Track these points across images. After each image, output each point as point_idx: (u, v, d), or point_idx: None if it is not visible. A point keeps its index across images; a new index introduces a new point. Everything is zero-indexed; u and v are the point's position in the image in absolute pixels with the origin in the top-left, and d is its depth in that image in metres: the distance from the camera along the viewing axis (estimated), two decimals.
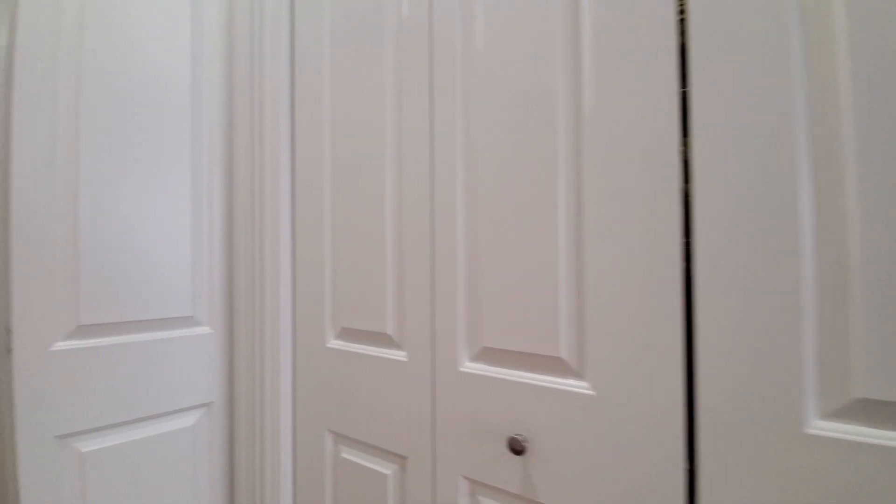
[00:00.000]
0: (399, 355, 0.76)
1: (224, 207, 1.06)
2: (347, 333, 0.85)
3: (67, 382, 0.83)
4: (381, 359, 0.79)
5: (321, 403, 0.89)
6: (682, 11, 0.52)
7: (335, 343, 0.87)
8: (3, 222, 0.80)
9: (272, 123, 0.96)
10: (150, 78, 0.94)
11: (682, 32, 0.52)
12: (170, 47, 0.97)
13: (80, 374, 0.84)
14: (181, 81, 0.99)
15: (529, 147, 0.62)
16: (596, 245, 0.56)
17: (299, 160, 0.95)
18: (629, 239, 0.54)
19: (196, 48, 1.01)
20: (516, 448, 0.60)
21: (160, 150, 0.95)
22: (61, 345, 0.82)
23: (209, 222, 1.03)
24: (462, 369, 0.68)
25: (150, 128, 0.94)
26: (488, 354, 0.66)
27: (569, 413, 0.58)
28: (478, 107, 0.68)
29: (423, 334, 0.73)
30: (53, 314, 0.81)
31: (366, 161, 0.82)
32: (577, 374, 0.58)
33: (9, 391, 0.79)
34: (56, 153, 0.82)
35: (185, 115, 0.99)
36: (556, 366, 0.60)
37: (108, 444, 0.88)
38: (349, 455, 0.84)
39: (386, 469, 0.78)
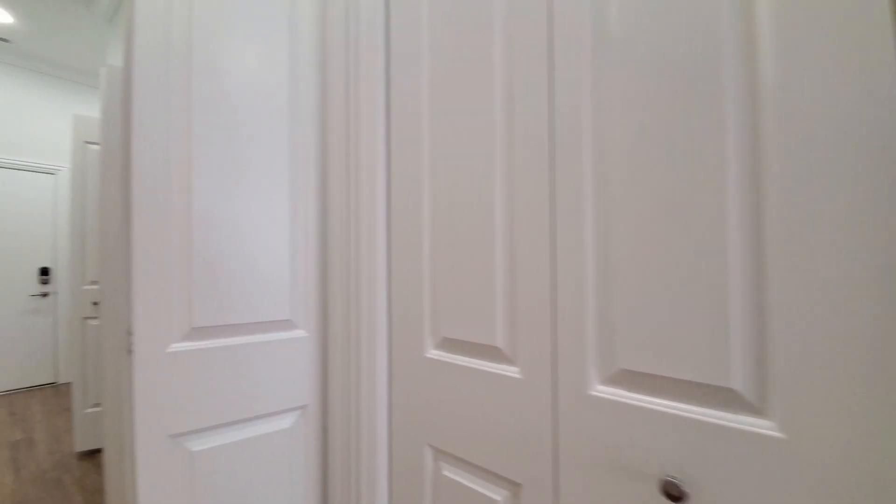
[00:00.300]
0: (512, 371, 0.70)
1: (318, 211, 1.06)
2: (449, 344, 0.80)
3: (181, 383, 0.85)
4: (489, 374, 0.72)
5: (420, 415, 0.84)
6: None
7: (435, 353, 0.82)
8: (126, 230, 0.84)
9: (368, 125, 0.93)
10: (251, 88, 0.95)
11: None
12: (268, 55, 0.98)
13: (193, 374, 0.86)
14: (279, 88, 0.99)
15: (683, 132, 0.52)
16: (784, 251, 0.45)
17: (395, 162, 0.91)
18: (838, 244, 0.42)
19: (292, 51, 1.02)
20: (673, 494, 0.51)
21: (261, 158, 0.96)
22: (176, 346, 0.85)
23: (304, 225, 1.04)
24: (592, 393, 0.60)
25: (252, 136, 0.95)
26: (627, 378, 0.57)
27: (746, 458, 0.47)
28: (611, 91, 0.59)
29: (541, 350, 0.66)
30: (170, 316, 0.84)
31: (471, 160, 0.76)
32: (757, 411, 0.48)
33: (129, 391, 0.83)
34: (171, 166, 0.85)
35: (283, 123, 1.00)
36: (725, 398, 0.50)
37: (215, 443, 0.90)
38: (452, 474, 0.79)
39: (496, 494, 0.71)
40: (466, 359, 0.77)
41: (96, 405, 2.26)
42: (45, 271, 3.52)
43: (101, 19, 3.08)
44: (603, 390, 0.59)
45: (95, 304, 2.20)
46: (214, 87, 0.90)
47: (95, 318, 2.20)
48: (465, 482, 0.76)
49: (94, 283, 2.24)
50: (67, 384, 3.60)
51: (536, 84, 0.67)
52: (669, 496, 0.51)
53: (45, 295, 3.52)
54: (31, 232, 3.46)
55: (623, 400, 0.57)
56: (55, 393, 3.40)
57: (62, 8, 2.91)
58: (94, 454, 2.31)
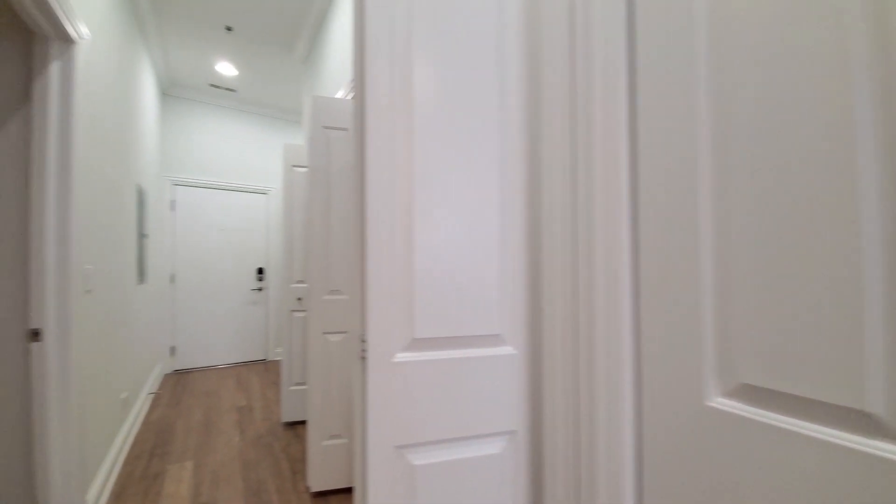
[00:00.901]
0: None
1: (525, 215, 0.95)
2: (753, 394, 0.57)
3: (404, 393, 0.83)
4: (854, 451, 0.47)
5: (696, 486, 0.63)
6: None
7: (724, 403, 0.60)
8: (361, 249, 0.85)
9: (603, 112, 0.77)
10: (462, 102, 0.90)
11: None
12: (477, 67, 0.92)
13: (414, 385, 0.84)
14: (488, 99, 0.92)
15: None
16: None
17: (644, 155, 0.72)
18: None
19: (499, 56, 0.94)
20: None
21: (474, 168, 0.91)
22: (400, 356, 0.83)
23: (513, 236, 0.94)
24: None
25: (467, 149, 0.90)
26: None
27: None
28: None
29: None
30: (396, 326, 0.83)
31: (808, 136, 0.52)
32: None
33: (362, 396, 0.84)
34: (395, 186, 0.84)
35: (494, 134, 0.93)
36: None
37: (433, 460, 0.85)
38: None
39: None
40: (794, 421, 0.53)
41: (299, 384, 2.66)
42: (260, 271, 4.44)
43: (297, 62, 3.71)
44: None
45: (299, 299, 2.60)
46: (428, 105, 0.87)
47: (299, 310, 2.60)
48: None
49: (299, 282, 2.66)
50: (275, 361, 4.46)
51: None
52: None
53: (260, 290, 4.42)
54: (250, 239, 4.39)
55: None
56: (266, 369, 4.22)
57: (271, 55, 3.60)
58: (295, 425, 2.72)
